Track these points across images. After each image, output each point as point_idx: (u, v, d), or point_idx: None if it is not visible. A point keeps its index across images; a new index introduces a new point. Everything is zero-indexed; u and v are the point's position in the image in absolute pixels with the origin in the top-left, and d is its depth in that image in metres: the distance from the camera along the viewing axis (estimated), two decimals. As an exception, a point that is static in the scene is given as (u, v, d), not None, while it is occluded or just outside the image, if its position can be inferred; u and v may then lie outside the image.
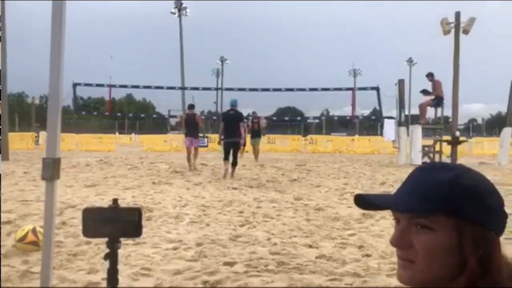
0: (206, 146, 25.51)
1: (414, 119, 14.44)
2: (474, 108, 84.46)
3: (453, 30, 14.94)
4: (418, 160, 13.54)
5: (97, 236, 1.19)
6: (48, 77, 1.69)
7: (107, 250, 1.19)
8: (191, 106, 12.80)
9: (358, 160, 16.80)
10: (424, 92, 13.99)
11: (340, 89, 18.30)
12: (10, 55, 15.23)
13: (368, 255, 3.71)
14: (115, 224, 1.15)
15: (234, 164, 9.86)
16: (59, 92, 1.65)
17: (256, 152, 15.27)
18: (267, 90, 18.84)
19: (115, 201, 1.17)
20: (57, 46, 1.64)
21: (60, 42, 1.64)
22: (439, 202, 0.68)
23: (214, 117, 40.05)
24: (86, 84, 18.48)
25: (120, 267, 1.25)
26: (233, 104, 10.29)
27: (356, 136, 31.27)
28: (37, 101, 56.54)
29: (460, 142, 15.28)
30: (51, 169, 1.59)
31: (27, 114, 57.50)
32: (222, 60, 59.63)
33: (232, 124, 9.91)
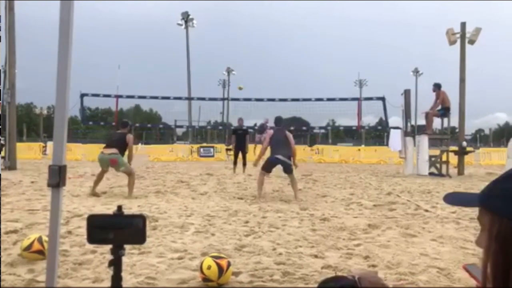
0: (213, 156, 25.58)
1: (420, 129, 14.38)
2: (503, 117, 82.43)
3: (459, 41, 14.98)
4: (425, 170, 13.47)
5: (102, 242, 1.20)
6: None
7: (112, 258, 1.19)
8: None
9: (365, 170, 16.73)
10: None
11: (346, 99, 18.23)
12: (19, 66, 15.40)
13: (374, 266, 3.67)
14: (120, 231, 1.16)
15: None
16: (66, 97, 1.67)
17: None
18: (273, 100, 18.83)
19: (119, 208, 1.18)
20: (64, 46, 1.66)
21: (68, 43, 1.66)
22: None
23: (220, 127, 40.13)
24: (94, 95, 18.53)
25: (125, 276, 1.26)
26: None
27: (363, 146, 31.21)
28: (45, 112, 57.07)
29: (467, 152, 15.21)
30: (57, 176, 1.61)
31: (35, 125, 58.01)
32: (229, 70, 59.95)
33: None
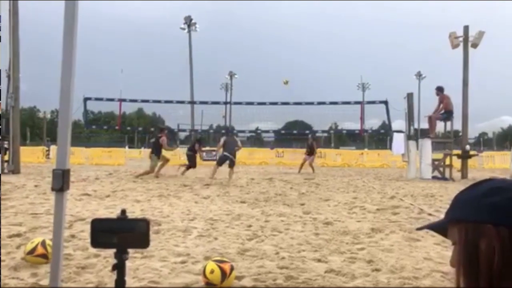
0: (215, 160, 25.55)
1: (423, 133, 14.34)
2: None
3: (461, 44, 14.95)
4: (428, 174, 13.43)
5: (105, 246, 1.20)
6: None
7: (115, 262, 1.19)
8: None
9: (368, 174, 16.69)
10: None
11: (349, 102, 18.19)
12: (22, 70, 15.45)
13: (377, 270, 3.66)
14: (123, 235, 1.16)
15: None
16: (70, 100, 1.67)
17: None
18: (275, 103, 18.84)
19: (123, 212, 1.18)
20: (68, 49, 1.67)
21: (72, 45, 1.67)
22: None
23: (223, 131, 40.12)
24: (97, 99, 18.59)
25: (128, 280, 1.26)
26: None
27: (365, 149, 31.16)
28: (48, 116, 57.24)
29: (470, 156, 15.14)
30: (61, 180, 1.61)
31: (38, 128, 58.27)
32: (231, 74, 60.05)
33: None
